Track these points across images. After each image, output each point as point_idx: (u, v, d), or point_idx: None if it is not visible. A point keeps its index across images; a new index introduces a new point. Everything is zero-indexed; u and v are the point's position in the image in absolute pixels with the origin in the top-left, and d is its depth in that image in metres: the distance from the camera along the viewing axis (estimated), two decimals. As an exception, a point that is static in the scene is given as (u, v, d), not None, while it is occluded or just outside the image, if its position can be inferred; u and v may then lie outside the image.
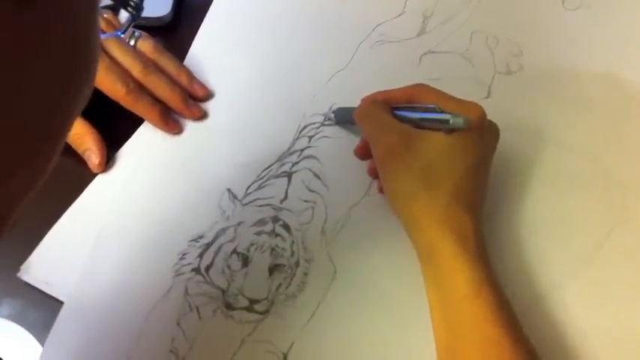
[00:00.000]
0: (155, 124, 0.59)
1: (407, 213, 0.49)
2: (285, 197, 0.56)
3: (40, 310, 0.52)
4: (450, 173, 0.48)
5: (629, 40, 0.65)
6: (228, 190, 0.56)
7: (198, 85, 0.61)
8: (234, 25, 0.67)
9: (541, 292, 0.52)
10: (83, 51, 0.23)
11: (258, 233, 0.53)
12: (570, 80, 0.63)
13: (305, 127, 0.60)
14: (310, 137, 0.59)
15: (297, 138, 0.59)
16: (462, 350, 0.45)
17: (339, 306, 0.51)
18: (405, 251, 0.50)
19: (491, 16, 0.67)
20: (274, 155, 0.58)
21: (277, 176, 0.57)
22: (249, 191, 0.56)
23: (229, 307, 0.51)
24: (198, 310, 0.51)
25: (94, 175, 0.57)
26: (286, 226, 0.54)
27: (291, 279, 0.52)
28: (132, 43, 0.60)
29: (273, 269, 0.52)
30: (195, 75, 0.62)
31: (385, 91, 0.54)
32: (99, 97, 0.56)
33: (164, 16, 0.67)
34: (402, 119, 0.51)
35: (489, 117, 0.50)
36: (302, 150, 0.58)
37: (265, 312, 0.51)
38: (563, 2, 0.68)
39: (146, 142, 0.59)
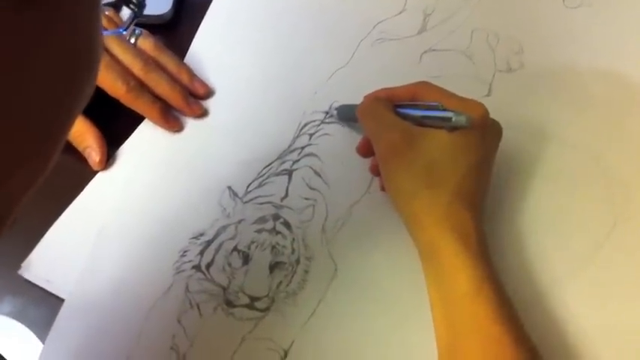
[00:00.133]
0: (155, 122, 0.59)
1: (408, 211, 0.49)
2: (286, 195, 0.56)
3: (40, 308, 0.52)
4: (453, 172, 0.48)
5: (631, 38, 0.65)
6: (229, 187, 0.56)
7: (198, 83, 0.61)
8: (234, 23, 0.67)
9: (542, 289, 0.51)
10: (86, 51, 0.23)
11: (259, 231, 0.53)
12: (571, 78, 0.63)
13: (306, 125, 0.60)
14: (311, 135, 0.59)
15: (298, 136, 0.59)
16: (463, 348, 0.45)
17: (339, 304, 0.51)
18: (406, 249, 0.50)
19: (491, 13, 0.67)
20: (275, 153, 0.58)
21: (278, 174, 0.57)
22: (249, 189, 0.56)
23: (230, 304, 0.51)
24: (198, 308, 0.51)
25: (95, 172, 0.57)
26: (287, 224, 0.54)
27: (292, 277, 0.52)
28: (132, 40, 0.60)
29: (273, 267, 0.52)
30: (195, 73, 0.62)
31: (388, 88, 0.54)
32: (99, 94, 0.56)
33: (164, 13, 0.67)
34: (405, 117, 0.51)
35: (490, 115, 0.50)
36: (302, 148, 0.58)
37: (266, 309, 0.51)
38: (564, 0, 0.68)
39: (147, 140, 0.59)
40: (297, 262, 0.52)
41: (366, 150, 0.55)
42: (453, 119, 0.47)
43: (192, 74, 0.61)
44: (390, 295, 0.51)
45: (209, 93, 0.62)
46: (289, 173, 0.57)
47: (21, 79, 0.20)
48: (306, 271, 0.52)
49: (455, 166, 0.48)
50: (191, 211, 0.55)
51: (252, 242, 0.53)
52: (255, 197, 0.55)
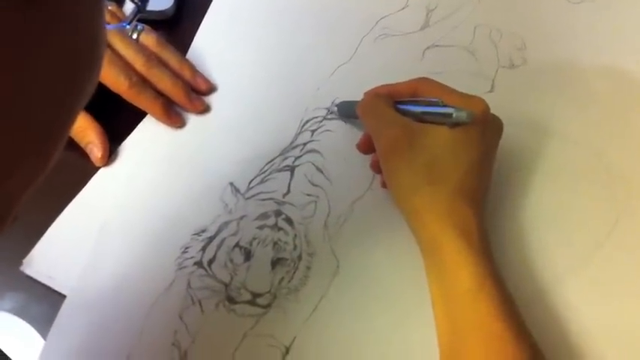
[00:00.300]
0: (158, 118, 0.59)
1: (410, 208, 0.49)
2: (288, 191, 0.56)
3: (42, 304, 0.52)
4: (454, 168, 0.48)
5: (634, 34, 0.65)
6: (231, 183, 0.56)
7: (200, 79, 0.61)
8: (236, 19, 0.67)
9: (543, 286, 0.51)
10: (87, 50, 0.23)
11: (261, 227, 0.53)
12: (574, 74, 0.62)
13: (308, 121, 0.59)
14: (313, 131, 0.59)
15: (300, 132, 0.59)
16: (464, 344, 0.44)
17: (341, 300, 0.51)
18: (408, 246, 0.50)
19: (494, 9, 0.67)
20: (277, 149, 0.58)
21: (280, 170, 0.57)
22: (251, 185, 0.56)
23: (232, 300, 0.51)
24: (200, 304, 0.51)
25: (97, 168, 0.57)
26: (289, 220, 0.54)
27: (294, 273, 0.52)
28: (135, 36, 0.60)
29: (275, 263, 0.52)
30: (197, 69, 0.62)
31: (388, 84, 0.54)
32: (102, 90, 0.56)
33: (167, 9, 0.67)
34: (405, 113, 0.50)
35: (493, 111, 0.50)
36: (305, 144, 0.58)
37: (268, 306, 0.50)
38: (567, -4, 0.67)
39: (149, 136, 0.59)
40: (299, 258, 0.52)
41: (366, 147, 0.55)
42: (454, 115, 0.47)
43: (194, 70, 0.61)
44: (393, 292, 0.51)
45: (211, 89, 0.62)
46: (291, 169, 0.57)
47: (22, 79, 0.20)
48: (308, 268, 0.52)
49: (456, 163, 0.48)
50: (193, 207, 0.55)
51: (254, 238, 0.53)
52: (257, 193, 0.55)
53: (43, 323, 0.51)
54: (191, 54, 0.64)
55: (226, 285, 0.51)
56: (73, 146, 0.57)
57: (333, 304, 0.51)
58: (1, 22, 0.18)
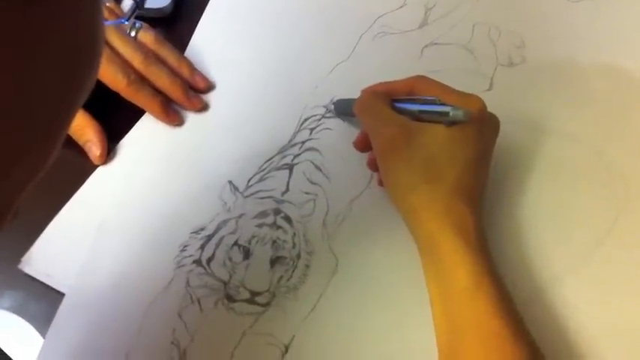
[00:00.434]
0: (156, 116, 0.59)
1: (407, 206, 0.49)
2: (287, 189, 0.55)
3: (41, 302, 0.52)
4: (451, 166, 0.48)
5: (633, 32, 0.65)
6: (230, 182, 0.56)
7: (199, 77, 0.61)
8: (235, 17, 0.67)
9: (542, 285, 0.51)
10: (87, 46, 0.23)
11: (260, 225, 0.53)
12: (573, 72, 0.62)
13: (306, 120, 0.59)
14: (312, 129, 0.59)
15: (299, 130, 0.59)
16: (462, 342, 0.45)
17: (340, 298, 0.51)
18: (407, 244, 0.50)
19: (493, 7, 0.67)
20: (275, 147, 0.58)
21: (278, 168, 0.57)
22: (250, 183, 0.56)
23: (230, 299, 0.51)
24: (199, 302, 0.51)
25: (95, 166, 0.57)
26: (288, 219, 0.54)
27: (293, 271, 0.52)
28: (133, 34, 0.60)
29: (274, 261, 0.52)
30: (195, 67, 0.62)
31: (385, 82, 0.54)
32: (100, 88, 0.55)
33: (165, 7, 0.66)
34: (402, 111, 0.50)
35: (491, 109, 0.50)
36: (303, 142, 0.58)
37: (266, 304, 0.50)
38: (566, -6, 0.67)
39: (147, 134, 0.59)
40: (298, 256, 0.52)
41: (363, 145, 0.55)
42: (451, 114, 0.47)
43: (192, 68, 0.61)
44: (391, 290, 0.51)
45: (210, 87, 0.62)
46: (290, 168, 0.57)
47: (22, 78, 0.20)
48: (307, 266, 0.52)
49: (453, 161, 0.48)
50: (192, 205, 0.55)
51: (253, 237, 0.53)
52: (256, 192, 0.55)
53: (41, 321, 0.51)
54: (189, 52, 0.64)
55: (225, 283, 0.51)
56: (72, 144, 0.57)
57: (331, 302, 0.51)
58: (0, 21, 0.18)
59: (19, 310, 0.51)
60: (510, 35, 0.64)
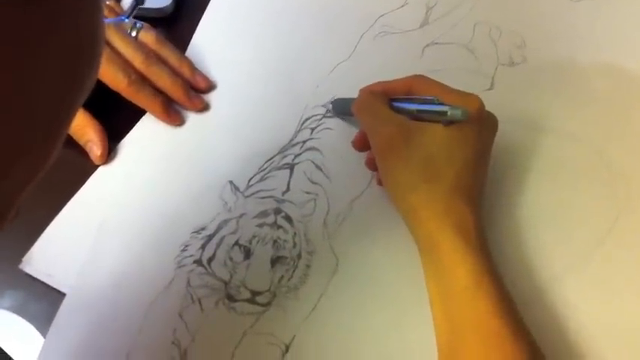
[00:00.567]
0: (157, 116, 0.59)
1: (406, 206, 0.49)
2: (287, 189, 0.55)
3: (41, 302, 0.52)
4: (450, 166, 0.48)
5: (634, 32, 0.65)
6: (230, 181, 0.56)
7: (200, 77, 0.61)
8: (235, 17, 0.67)
9: (542, 284, 0.51)
10: (87, 46, 0.23)
11: (260, 225, 0.53)
12: (574, 72, 0.62)
13: (307, 119, 0.59)
14: (312, 129, 0.59)
15: (300, 130, 0.59)
16: (462, 342, 0.44)
17: (340, 298, 0.51)
18: (407, 244, 0.50)
19: (494, 7, 0.67)
20: (276, 147, 0.58)
21: (279, 168, 0.57)
22: (251, 183, 0.56)
23: (231, 298, 0.51)
24: (200, 302, 0.51)
25: (96, 166, 0.57)
26: (288, 218, 0.54)
27: (293, 271, 0.52)
28: (133, 34, 0.60)
29: (275, 261, 0.52)
30: (196, 67, 0.62)
31: (383, 82, 0.54)
32: (100, 88, 0.55)
33: (165, 7, 0.66)
34: (400, 111, 0.50)
35: (492, 109, 0.50)
36: (304, 142, 0.58)
37: (267, 304, 0.50)
38: (567, -7, 0.67)
39: (148, 134, 0.59)
40: (299, 256, 0.52)
41: (361, 144, 0.55)
42: (449, 113, 0.47)
43: (193, 68, 0.61)
44: (392, 290, 0.51)
45: (210, 87, 0.62)
46: (291, 167, 0.57)
47: (22, 77, 0.20)
48: (308, 266, 0.52)
49: (452, 160, 0.48)
50: (192, 205, 0.55)
51: (254, 236, 0.53)
52: (257, 191, 0.55)
53: (42, 321, 0.51)
54: (190, 52, 0.64)
55: (226, 283, 0.51)
56: (72, 144, 0.57)
57: (332, 302, 0.51)
58: (1, 20, 0.18)
59: (19, 310, 0.51)
60: (511, 35, 0.64)
